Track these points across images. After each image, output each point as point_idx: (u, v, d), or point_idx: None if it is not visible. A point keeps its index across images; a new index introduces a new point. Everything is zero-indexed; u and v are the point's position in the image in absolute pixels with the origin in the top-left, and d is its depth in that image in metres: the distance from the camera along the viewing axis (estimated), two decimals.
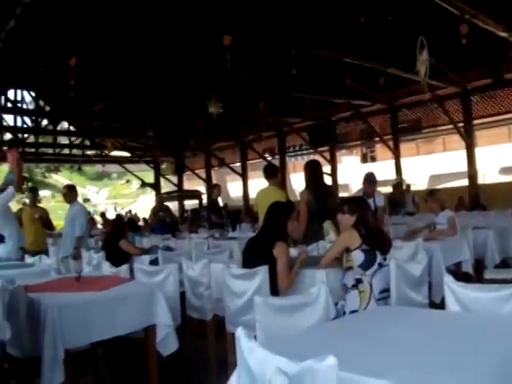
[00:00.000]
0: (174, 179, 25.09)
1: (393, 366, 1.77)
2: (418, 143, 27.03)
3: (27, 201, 9.75)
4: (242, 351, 1.77)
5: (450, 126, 14.87)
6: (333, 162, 18.30)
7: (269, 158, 20.30)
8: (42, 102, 19.13)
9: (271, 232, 4.19)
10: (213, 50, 9.46)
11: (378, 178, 7.32)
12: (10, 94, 17.98)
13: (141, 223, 16.17)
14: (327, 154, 18.37)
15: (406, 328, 2.35)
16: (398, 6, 10.09)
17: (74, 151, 22.32)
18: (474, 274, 6.24)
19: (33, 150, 20.53)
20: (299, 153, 22.18)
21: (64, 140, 22.61)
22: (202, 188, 23.82)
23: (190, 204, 24.22)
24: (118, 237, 6.74)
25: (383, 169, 18.52)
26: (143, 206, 40.08)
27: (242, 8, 9.36)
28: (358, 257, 3.84)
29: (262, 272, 3.78)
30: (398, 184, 15.15)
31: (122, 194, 59.07)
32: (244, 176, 21.60)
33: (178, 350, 3.86)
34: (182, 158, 23.84)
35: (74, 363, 3.36)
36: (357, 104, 15.34)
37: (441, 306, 4.06)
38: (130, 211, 24.18)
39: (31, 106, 20.16)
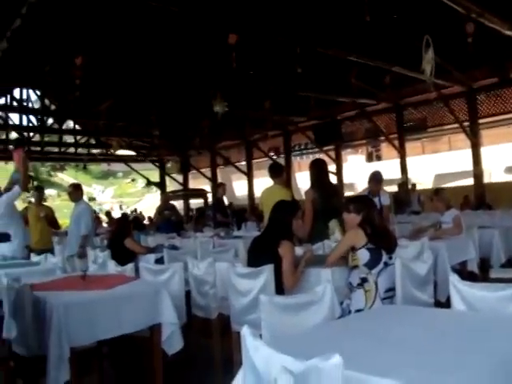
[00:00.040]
0: (180, 178, 25.13)
1: (398, 365, 1.76)
2: (423, 142, 26.97)
3: (33, 199, 9.77)
4: (247, 350, 1.77)
5: (456, 125, 14.84)
6: (338, 160, 18.28)
7: (274, 157, 20.28)
8: (47, 101, 19.22)
9: (276, 231, 4.19)
10: (218, 49, 9.46)
11: (384, 177, 7.30)
12: (16, 92, 18.10)
13: (146, 222, 16.18)
14: (332, 153, 18.35)
15: (412, 327, 2.34)
16: (403, 5, 10.08)
17: (80, 150, 22.37)
18: (479, 274, 6.22)
19: (38, 148, 20.59)
20: (304, 152, 22.16)
21: (69, 139, 22.70)
22: (207, 187, 23.84)
23: (195, 203, 24.24)
24: (123, 235, 6.75)
25: (388, 168, 18.47)
26: (148, 204, 40.16)
27: (248, 7, 9.36)
28: (363, 255, 3.83)
29: (267, 271, 3.78)
30: (404, 183, 15.13)
31: (128, 192, 59.23)
32: (249, 175, 21.61)
33: (183, 349, 3.86)
34: (187, 156, 23.88)
35: (79, 361, 3.36)
36: (362, 103, 15.32)
37: (446, 305, 4.05)
38: (135, 210, 24.21)
39: (37, 105, 20.24)
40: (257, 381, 1.71)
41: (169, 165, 26.31)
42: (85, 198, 8.73)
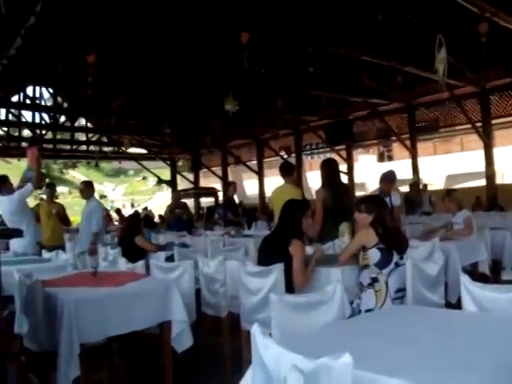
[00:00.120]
0: (191, 176, 25.18)
1: (408, 365, 1.76)
2: (435, 143, 26.83)
3: (45, 196, 9.82)
4: (257, 348, 1.77)
5: (468, 126, 14.74)
6: (349, 160, 18.21)
7: (285, 156, 20.27)
8: (60, 99, 19.32)
9: (286, 229, 4.19)
10: (230, 48, 9.46)
11: None
12: (29, 90, 18.20)
13: (156, 220, 16.23)
14: (344, 153, 18.29)
15: (422, 327, 2.33)
16: (416, 4, 10.02)
17: (92, 148, 22.47)
18: (490, 275, 6.19)
19: (51, 146, 20.76)
20: (315, 151, 22.11)
21: (81, 136, 22.81)
22: (218, 185, 23.86)
23: (206, 201, 24.28)
24: (133, 233, 6.75)
25: (400, 168, 18.28)
26: (159, 203, 40.27)
27: (260, 6, 9.36)
28: (374, 255, 3.82)
29: (278, 270, 3.78)
30: (415, 183, 15.06)
31: (139, 190, 59.46)
32: (260, 174, 21.60)
33: (192, 347, 3.87)
34: (198, 155, 23.91)
35: (89, 357, 3.38)
36: (374, 103, 15.27)
37: (457, 306, 4.03)
38: (146, 208, 24.26)
39: (49, 103, 20.34)
40: (266, 379, 1.71)
41: (180, 163, 26.38)
42: (96, 195, 8.77)
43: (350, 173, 17.88)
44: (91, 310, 3.37)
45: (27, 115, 18.88)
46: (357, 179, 18.79)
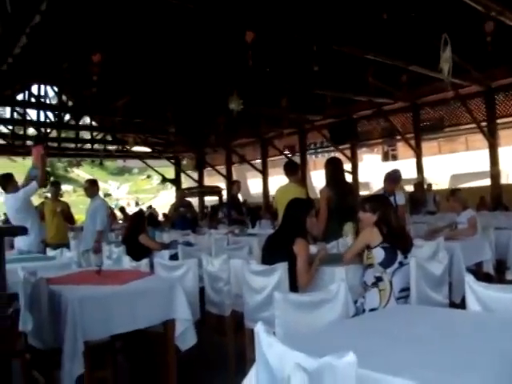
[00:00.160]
0: (195, 175, 25.19)
1: (412, 365, 1.75)
2: (439, 142, 26.77)
3: (49, 195, 9.85)
4: (260, 346, 1.77)
5: (473, 125, 14.69)
6: (354, 159, 18.20)
7: (289, 155, 20.26)
8: (64, 97, 19.34)
9: (290, 228, 4.19)
10: (235, 47, 9.46)
11: None
12: (34, 89, 18.26)
13: (160, 218, 16.24)
14: (348, 152, 18.27)
15: (426, 327, 2.33)
16: (421, 3, 9.99)
17: (96, 146, 22.54)
18: (495, 275, 6.17)
19: (55, 144, 20.79)
20: (320, 150, 22.11)
21: (86, 135, 22.87)
22: (222, 184, 23.87)
23: (210, 200, 24.30)
24: (137, 231, 6.76)
25: (404, 167, 18.18)
26: (163, 201, 40.32)
27: (264, 4, 9.35)
28: (378, 254, 3.82)
29: (282, 268, 3.78)
30: (420, 183, 15.03)
31: (143, 189, 59.58)
32: (264, 173, 21.60)
33: (196, 345, 3.87)
34: (202, 154, 23.93)
35: (93, 355, 3.39)
36: (378, 102, 15.23)
37: (461, 306, 4.03)
38: (150, 206, 24.31)
39: (54, 101, 20.39)
40: (270, 378, 1.71)
41: (184, 162, 26.39)
42: (100, 193, 8.78)
43: (354, 172, 17.86)
44: (95, 307, 3.38)
45: (32, 113, 18.96)
46: (361, 178, 18.77)
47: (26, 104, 18.08)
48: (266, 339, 1.74)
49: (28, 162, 10.20)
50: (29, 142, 18.48)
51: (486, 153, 14.31)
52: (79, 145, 22.69)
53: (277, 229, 4.77)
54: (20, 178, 7.20)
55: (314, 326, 2.63)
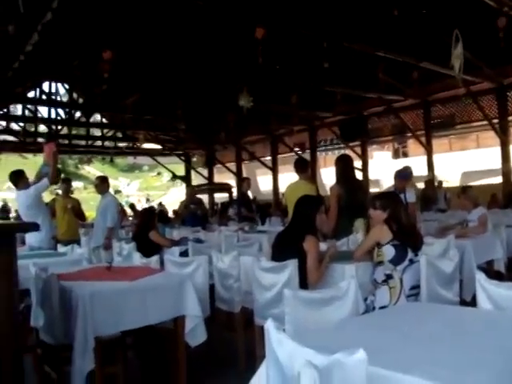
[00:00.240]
0: (205, 172, 25.24)
1: (422, 362, 1.75)
2: (450, 139, 26.63)
3: (60, 191, 9.90)
4: (270, 343, 1.77)
5: (485, 122, 14.60)
6: (364, 157, 18.15)
7: (299, 152, 20.22)
8: (75, 95, 19.45)
9: (300, 225, 4.18)
10: (245, 43, 9.45)
11: None
12: (45, 86, 18.34)
13: (171, 215, 16.28)
14: (358, 149, 18.22)
15: (437, 324, 2.32)
16: None
17: (106, 143, 22.64)
18: (506, 273, 6.13)
19: (66, 141, 20.89)
20: (330, 147, 22.07)
21: (97, 132, 22.97)
22: (232, 181, 23.89)
23: (220, 197, 24.33)
24: (147, 228, 6.78)
25: (415, 165, 18.06)
26: (174, 198, 40.39)
27: (275, 1, 9.33)
28: (388, 251, 3.80)
29: (291, 265, 3.78)
30: (430, 180, 14.96)
31: (153, 186, 59.69)
32: (274, 170, 21.60)
33: (206, 342, 3.89)
34: (212, 151, 23.96)
35: (103, 351, 3.40)
36: (389, 99, 15.16)
37: (471, 304, 4.01)
38: (160, 203, 24.36)
39: (65, 99, 20.51)
40: (280, 375, 1.71)
41: (194, 159, 26.43)
42: (111, 190, 8.81)
43: (364, 169, 17.82)
44: (106, 303, 3.39)
45: (43, 111, 19.03)
46: (371, 176, 18.73)
47: (37, 101, 18.20)
48: (276, 336, 1.74)
49: (39, 158, 10.26)
50: (40, 139, 18.57)
51: (497, 150, 14.21)
52: (90, 142, 22.80)
53: (287, 226, 4.77)
54: (31, 175, 7.23)
55: (324, 323, 2.63)
